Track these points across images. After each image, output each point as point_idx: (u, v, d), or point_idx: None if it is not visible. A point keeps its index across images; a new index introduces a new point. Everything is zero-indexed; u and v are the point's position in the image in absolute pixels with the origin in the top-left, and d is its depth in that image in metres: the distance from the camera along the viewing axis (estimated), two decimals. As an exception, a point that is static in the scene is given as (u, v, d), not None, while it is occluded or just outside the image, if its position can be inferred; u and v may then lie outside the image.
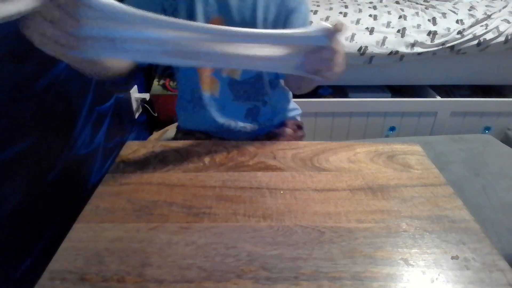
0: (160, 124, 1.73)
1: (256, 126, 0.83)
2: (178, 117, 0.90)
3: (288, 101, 0.89)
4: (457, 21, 1.59)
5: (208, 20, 0.68)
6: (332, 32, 0.47)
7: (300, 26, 0.68)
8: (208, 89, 0.77)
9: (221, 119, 0.81)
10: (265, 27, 0.69)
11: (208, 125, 0.83)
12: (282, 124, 0.87)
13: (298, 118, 0.93)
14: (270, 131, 0.86)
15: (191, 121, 0.86)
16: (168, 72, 1.76)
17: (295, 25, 0.68)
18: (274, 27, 0.69)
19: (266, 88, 0.80)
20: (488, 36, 1.56)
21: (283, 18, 0.69)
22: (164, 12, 0.67)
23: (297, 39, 0.50)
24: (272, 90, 0.82)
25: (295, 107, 0.92)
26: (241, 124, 0.82)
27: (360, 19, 1.66)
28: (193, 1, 0.67)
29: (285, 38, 0.50)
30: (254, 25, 0.69)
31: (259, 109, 0.81)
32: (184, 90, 0.82)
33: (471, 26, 1.58)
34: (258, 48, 0.50)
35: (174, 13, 0.68)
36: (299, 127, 0.91)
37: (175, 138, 0.91)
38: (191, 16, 0.68)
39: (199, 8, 0.67)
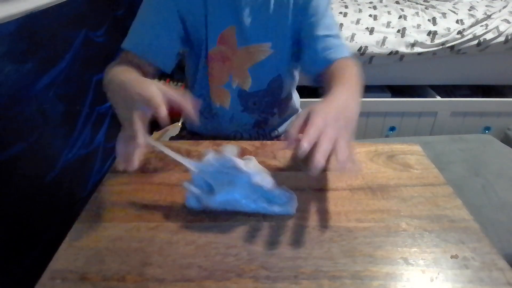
0: (160, 124, 1.73)
1: (262, 136, 0.84)
2: (186, 119, 0.90)
3: (297, 111, 0.89)
4: (457, 21, 1.59)
5: (222, 29, 0.69)
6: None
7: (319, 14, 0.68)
8: (218, 100, 0.78)
9: (229, 130, 0.81)
10: (278, 31, 0.70)
11: (216, 133, 0.84)
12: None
13: None
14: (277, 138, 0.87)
15: (199, 127, 0.86)
16: (178, 76, 1.77)
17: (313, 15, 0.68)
18: (291, 30, 0.70)
19: (276, 102, 0.80)
20: (488, 36, 1.56)
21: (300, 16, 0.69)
22: (180, 16, 0.67)
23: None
24: (283, 104, 0.82)
25: None
26: (247, 136, 0.83)
27: (360, 19, 1.66)
28: (207, 10, 0.67)
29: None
30: (267, 30, 0.69)
31: (268, 120, 0.82)
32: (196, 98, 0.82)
33: (471, 26, 1.58)
34: None
35: (185, 20, 0.68)
36: None
37: (179, 135, 0.91)
38: (205, 26, 0.68)
39: (213, 19, 0.68)
